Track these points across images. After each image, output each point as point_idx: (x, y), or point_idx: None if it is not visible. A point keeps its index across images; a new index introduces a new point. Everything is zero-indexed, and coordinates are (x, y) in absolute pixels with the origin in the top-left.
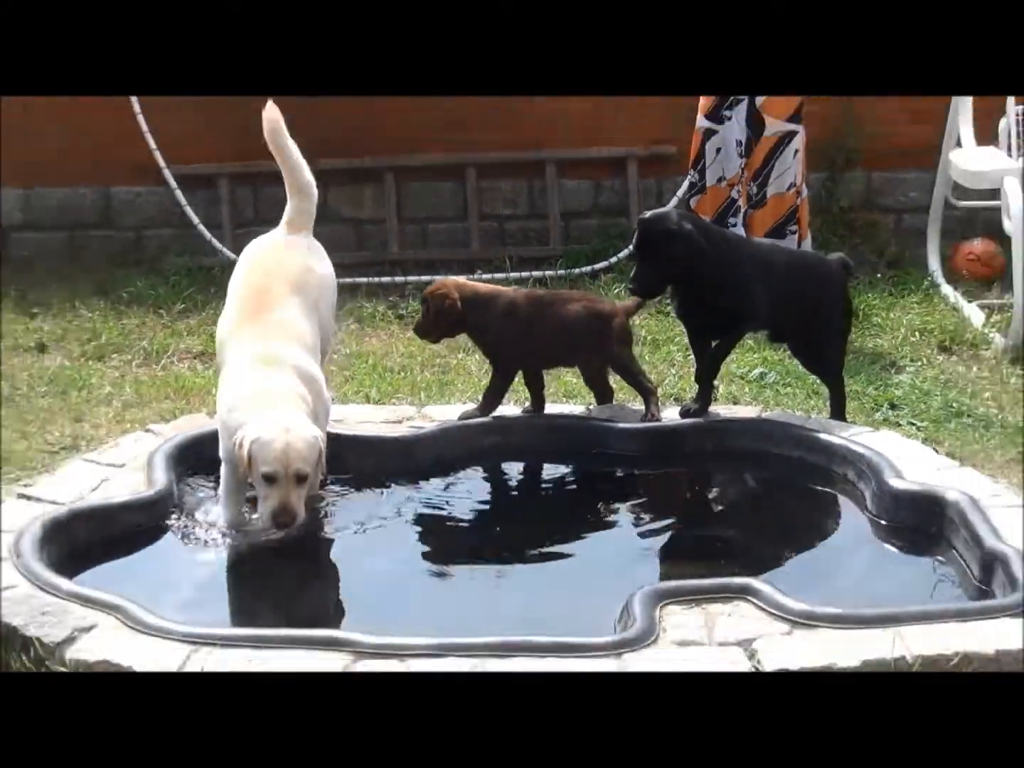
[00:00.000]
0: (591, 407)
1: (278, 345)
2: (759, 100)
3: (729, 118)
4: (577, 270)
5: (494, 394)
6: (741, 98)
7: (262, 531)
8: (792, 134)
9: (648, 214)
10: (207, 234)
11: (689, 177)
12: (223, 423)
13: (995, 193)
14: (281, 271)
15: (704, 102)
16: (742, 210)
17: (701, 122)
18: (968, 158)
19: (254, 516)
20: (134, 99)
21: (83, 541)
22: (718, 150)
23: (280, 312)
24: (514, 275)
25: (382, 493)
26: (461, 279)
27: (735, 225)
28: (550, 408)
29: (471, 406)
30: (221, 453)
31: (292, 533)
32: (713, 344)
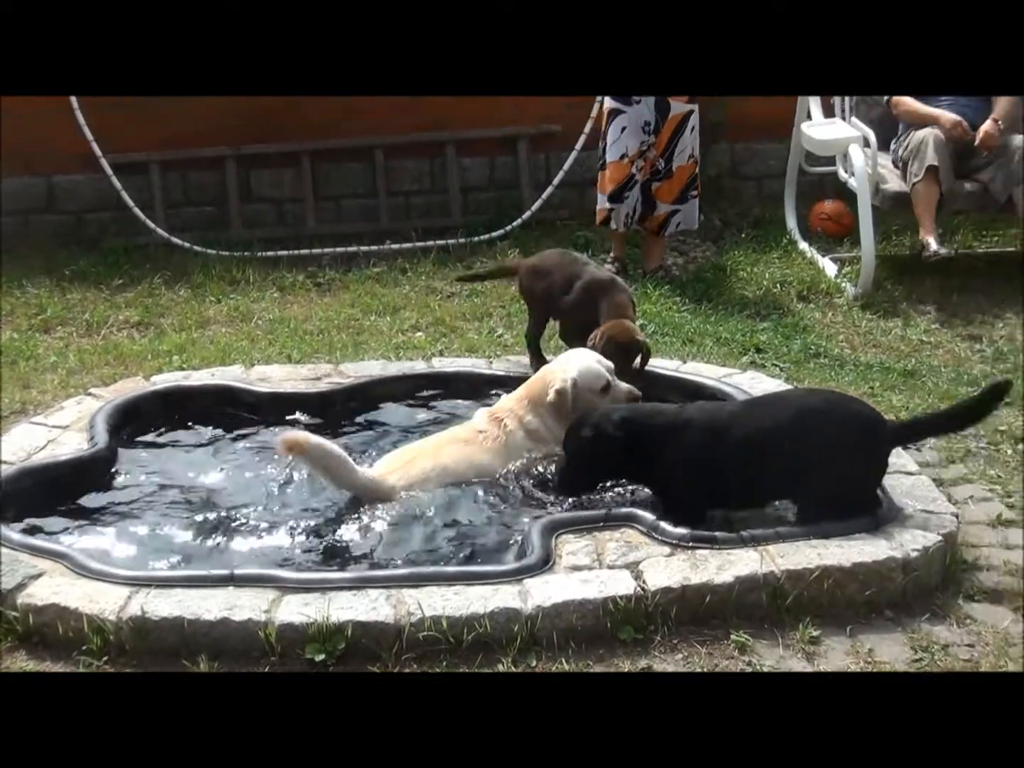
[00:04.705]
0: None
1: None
2: None
3: (638, 101)
4: (476, 238)
5: None
6: None
7: None
8: (691, 113)
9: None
10: (141, 215)
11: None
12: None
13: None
14: None
15: None
16: (638, 184)
17: (609, 103)
18: (817, 129)
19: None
20: (72, 96)
21: (32, 496)
22: (623, 129)
23: None
24: (420, 244)
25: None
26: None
27: (628, 198)
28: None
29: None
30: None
31: None
32: None
